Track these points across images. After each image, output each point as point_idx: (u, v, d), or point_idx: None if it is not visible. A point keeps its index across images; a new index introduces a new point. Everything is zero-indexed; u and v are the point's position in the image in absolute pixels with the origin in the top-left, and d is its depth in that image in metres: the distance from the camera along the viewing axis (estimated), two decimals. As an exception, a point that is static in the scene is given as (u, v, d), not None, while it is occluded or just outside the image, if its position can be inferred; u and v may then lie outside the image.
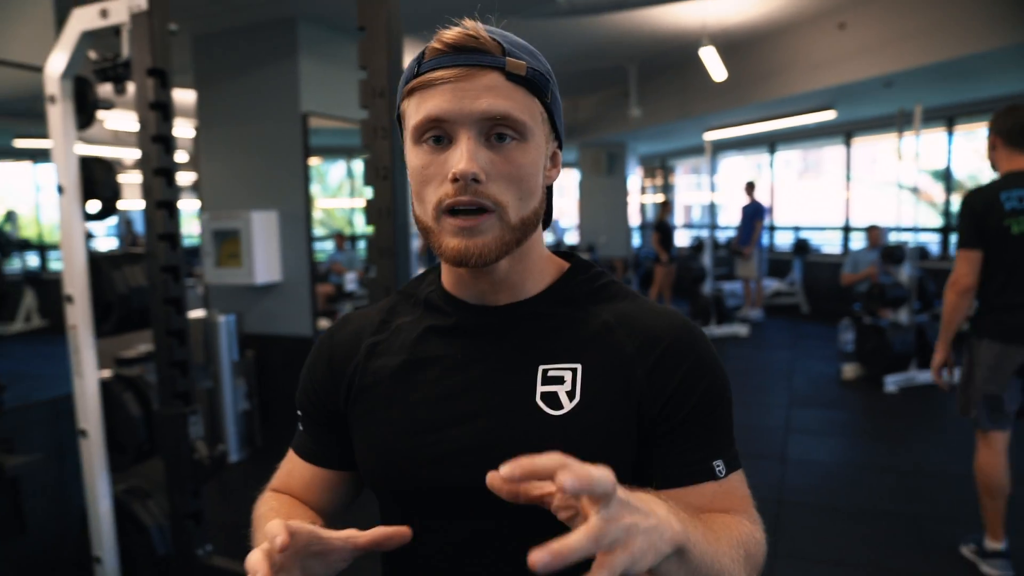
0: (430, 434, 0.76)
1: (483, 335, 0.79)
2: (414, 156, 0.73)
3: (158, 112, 2.24)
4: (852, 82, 6.57)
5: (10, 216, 7.06)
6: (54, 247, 7.25)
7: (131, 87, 2.30)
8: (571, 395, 0.74)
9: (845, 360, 6.14)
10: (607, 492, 0.51)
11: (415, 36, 5.48)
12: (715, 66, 6.57)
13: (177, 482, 2.21)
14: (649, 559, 0.54)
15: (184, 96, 5.73)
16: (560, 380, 0.75)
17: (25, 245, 7.35)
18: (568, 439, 0.72)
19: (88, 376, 2.41)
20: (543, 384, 0.75)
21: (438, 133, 0.70)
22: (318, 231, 5.44)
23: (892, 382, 5.36)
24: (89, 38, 2.34)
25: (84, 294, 2.41)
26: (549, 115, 0.75)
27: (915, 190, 5.99)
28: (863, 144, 9.66)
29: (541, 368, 0.76)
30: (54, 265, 7.36)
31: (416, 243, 4.07)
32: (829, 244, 10.16)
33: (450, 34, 0.70)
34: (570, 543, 0.49)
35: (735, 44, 7.29)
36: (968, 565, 2.81)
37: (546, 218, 0.82)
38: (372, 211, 1.87)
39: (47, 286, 6.33)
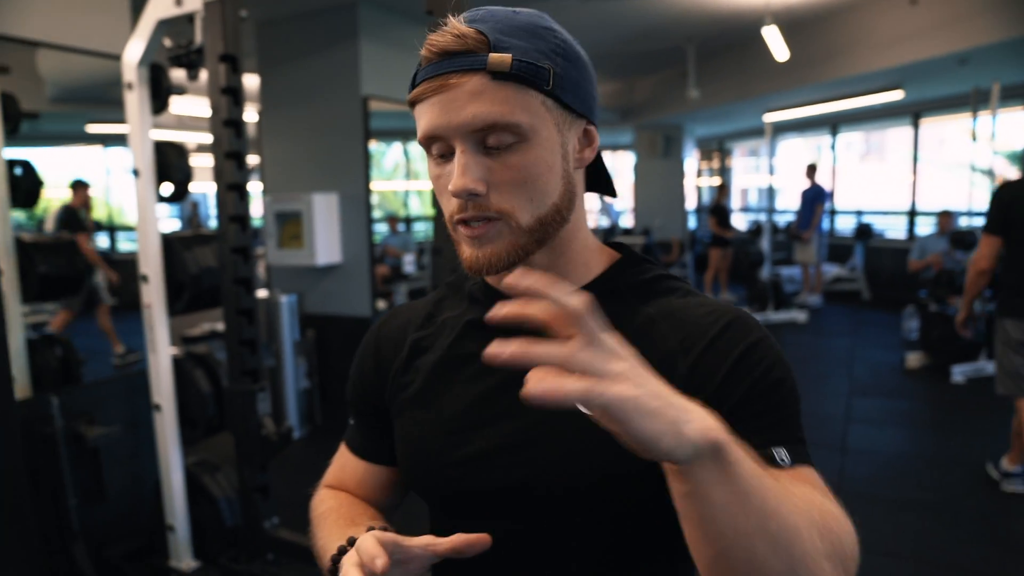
0: (462, 434, 0.74)
1: (521, 330, 0.77)
2: (429, 167, 0.71)
3: (229, 97, 2.30)
4: (923, 60, 6.31)
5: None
6: (124, 228, 7.52)
7: (203, 73, 2.37)
8: None
9: (909, 348, 5.96)
10: (566, 307, 0.48)
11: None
12: (778, 46, 6.39)
13: (246, 456, 2.29)
14: (654, 427, 0.47)
15: (248, 81, 5.86)
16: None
17: (97, 227, 7.63)
18: (606, 438, 0.70)
19: (162, 353, 2.51)
20: None
21: (440, 148, 0.68)
22: (375, 213, 5.54)
23: (960, 372, 5.19)
24: (164, 26, 2.41)
25: (158, 274, 2.51)
26: (558, 100, 0.67)
27: (990, 173, 5.74)
28: (931, 125, 9.29)
29: None
30: (123, 246, 7.64)
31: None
32: (893, 229, 9.84)
33: (434, 38, 0.66)
34: (530, 348, 0.47)
35: (798, 22, 7.07)
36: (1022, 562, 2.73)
37: (609, 191, 0.80)
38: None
39: (117, 266, 6.58)
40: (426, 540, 0.63)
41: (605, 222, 12.11)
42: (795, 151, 12.37)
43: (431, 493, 0.77)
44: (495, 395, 0.73)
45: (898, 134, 9.83)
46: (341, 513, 0.81)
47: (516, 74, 0.64)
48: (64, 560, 2.53)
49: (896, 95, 7.74)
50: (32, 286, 2.63)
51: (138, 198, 2.51)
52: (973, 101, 5.46)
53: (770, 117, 8.82)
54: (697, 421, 0.49)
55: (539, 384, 0.46)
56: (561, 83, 0.67)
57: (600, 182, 0.82)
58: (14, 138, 2.73)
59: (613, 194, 0.82)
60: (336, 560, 0.69)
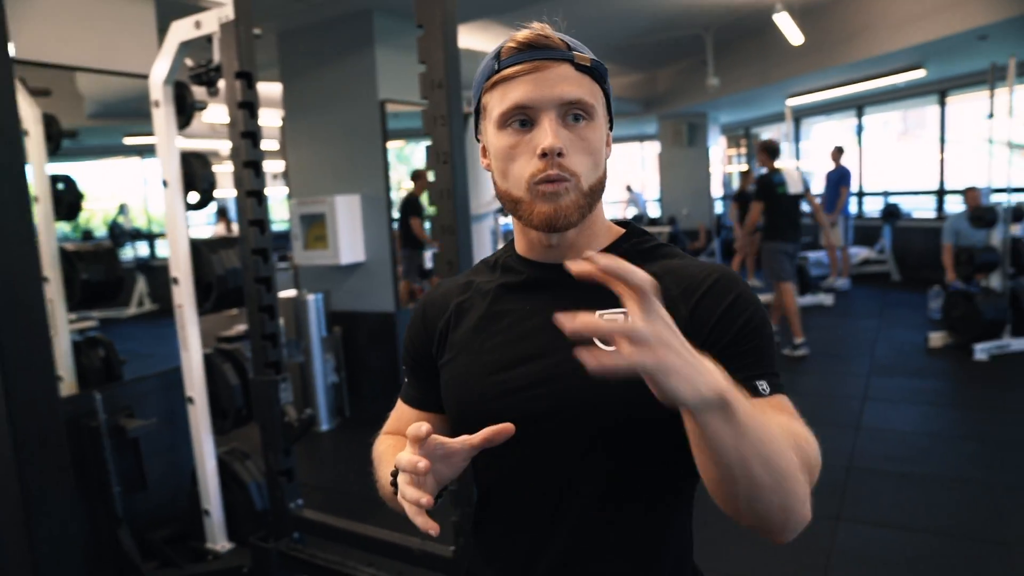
0: (501, 373, 0.88)
1: (549, 289, 0.90)
2: (500, 139, 0.85)
3: (246, 110, 2.47)
4: (942, 38, 6.27)
5: (123, 209, 7.65)
6: (162, 235, 7.80)
7: (222, 87, 2.55)
8: None
9: (933, 328, 5.95)
10: (637, 284, 0.59)
11: (488, 18, 5.55)
12: (791, 31, 6.41)
13: (270, 442, 2.47)
14: (681, 387, 0.59)
15: (273, 89, 6.08)
16: (615, 321, 0.86)
17: (136, 235, 7.94)
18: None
19: (193, 349, 2.71)
20: None
21: (523, 116, 0.83)
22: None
23: (982, 350, 5.18)
24: (186, 47, 2.60)
25: (188, 276, 2.70)
26: (607, 100, 0.87)
27: (1013, 147, 5.69)
28: (961, 102, 9.15)
29: (598, 313, 0.85)
30: (161, 252, 7.94)
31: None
32: (922, 208, 9.72)
33: (523, 34, 0.83)
34: (595, 321, 0.58)
35: (815, 5, 7.06)
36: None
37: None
38: (434, 193, 2.04)
39: (157, 272, 6.86)
40: (463, 438, 0.78)
41: (633, 211, 12.17)
42: (827, 134, 12.23)
43: (473, 423, 0.87)
44: (529, 339, 0.88)
45: (934, 112, 9.67)
46: (397, 448, 0.94)
47: (593, 68, 0.84)
48: (111, 544, 2.74)
49: (918, 74, 7.68)
50: (75, 293, 2.85)
51: (167, 207, 2.71)
52: (991, 77, 5.42)
53: (793, 102, 8.78)
54: (709, 378, 0.61)
55: (599, 361, 0.58)
56: (608, 88, 0.88)
57: None
58: (56, 154, 2.96)
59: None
60: (394, 479, 0.86)
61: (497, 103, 0.84)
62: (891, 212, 9.10)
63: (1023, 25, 5.92)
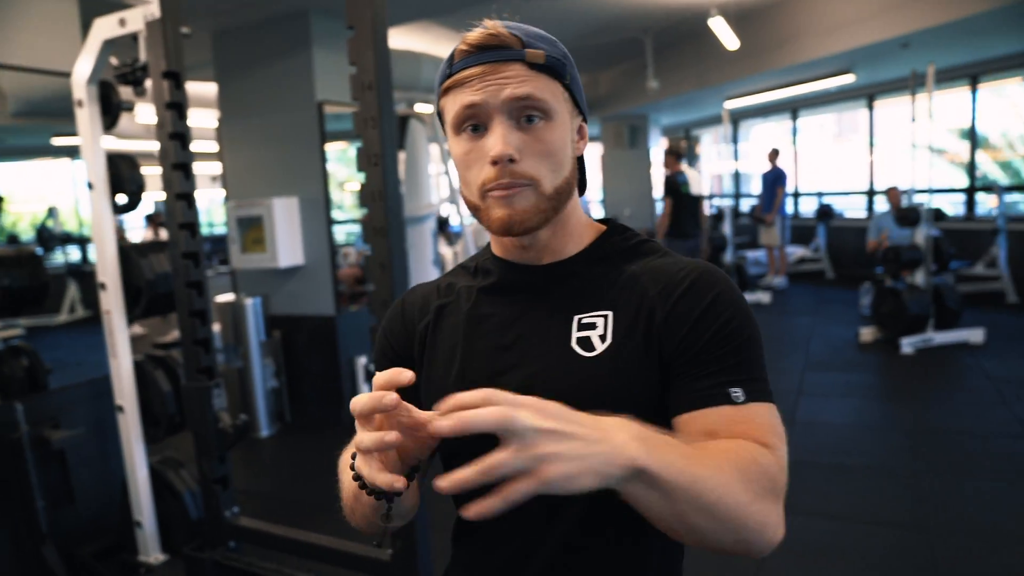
0: (480, 383, 0.83)
1: (527, 292, 0.88)
2: (456, 145, 0.83)
3: (174, 111, 2.42)
4: (869, 44, 6.52)
5: (52, 212, 7.37)
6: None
7: (149, 88, 2.49)
8: (603, 338, 0.82)
9: (864, 324, 6.17)
10: (501, 427, 0.57)
11: (428, 19, 5.53)
12: (726, 35, 6.57)
13: (204, 449, 2.42)
14: (584, 482, 0.58)
15: (208, 89, 5.94)
16: (593, 326, 0.83)
17: (67, 239, 7.66)
18: (599, 377, 0.80)
19: (122, 356, 2.63)
20: (578, 331, 0.83)
21: (475, 122, 0.80)
22: (345, 215, 5.62)
23: (908, 344, 5.40)
24: (110, 46, 2.53)
25: (116, 281, 2.63)
26: (571, 94, 0.83)
27: (934, 150, 5.95)
28: (889, 106, 9.53)
29: (576, 317, 0.84)
30: (94, 257, 7.66)
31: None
32: (854, 209, 10.08)
33: (473, 36, 0.80)
34: (463, 474, 0.57)
35: (749, 11, 7.25)
36: (952, 515, 2.92)
37: (581, 185, 0.92)
38: (365, 195, 2.03)
39: (89, 278, 6.62)
40: (431, 413, 0.66)
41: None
42: (766, 136, 12.57)
43: (451, 437, 0.88)
44: (510, 347, 0.86)
45: (866, 115, 10.04)
46: None
47: (548, 66, 0.80)
48: (35, 562, 2.64)
49: (848, 79, 7.96)
50: (-5, 299, 2.74)
51: (93, 210, 2.63)
52: (912, 83, 5.65)
53: (730, 104, 9.01)
54: (612, 454, 0.60)
55: (504, 499, 0.57)
56: (573, 81, 0.84)
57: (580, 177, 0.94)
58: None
59: (583, 190, 0.95)
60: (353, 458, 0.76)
61: (450, 108, 0.82)
62: (825, 212, 9.41)
63: (942, 34, 6.20)
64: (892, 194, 6.50)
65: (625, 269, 0.87)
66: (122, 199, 2.75)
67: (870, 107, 9.41)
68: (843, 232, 9.49)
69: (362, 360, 4.61)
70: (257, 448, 4.35)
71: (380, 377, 0.68)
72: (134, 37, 2.48)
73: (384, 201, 2.00)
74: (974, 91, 8.01)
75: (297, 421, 4.68)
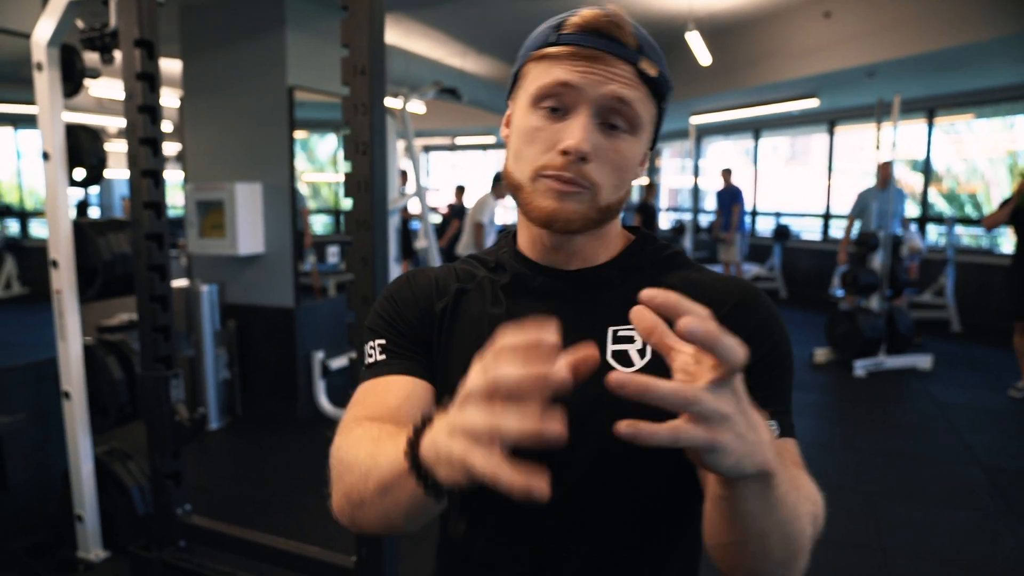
0: None
1: (555, 297, 0.82)
2: (527, 118, 0.75)
3: (145, 83, 2.28)
4: (835, 71, 6.67)
5: (-10, 182, 7.01)
6: (36, 214, 7.21)
7: (118, 57, 2.34)
8: (642, 353, 0.76)
9: (819, 344, 6.28)
10: (730, 363, 0.49)
11: (400, 12, 5.44)
12: (701, 51, 6.63)
13: (158, 443, 2.28)
14: (729, 462, 0.51)
15: (171, 66, 5.71)
16: (630, 339, 0.77)
17: (6, 211, 7.31)
18: (637, 412, 0.73)
19: (72, 339, 2.47)
20: (613, 343, 0.77)
21: (557, 104, 0.73)
22: (311, 205, 5.44)
23: (861, 366, 5.51)
24: (76, 7, 2.37)
25: (69, 260, 2.47)
26: (659, 119, 0.78)
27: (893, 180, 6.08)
28: (848, 133, 9.77)
29: (611, 329, 0.78)
30: (35, 232, 7.33)
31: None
32: (809, 231, 10.30)
33: (592, 14, 0.73)
34: (659, 387, 0.47)
35: (722, 29, 7.34)
36: (904, 537, 2.96)
37: (647, 215, 0.86)
38: (351, 184, 1.93)
39: (29, 253, 6.32)
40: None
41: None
42: (723, 153, 12.76)
43: None
44: None
45: (820, 140, 10.28)
46: (383, 431, 0.69)
47: (656, 82, 0.74)
48: (-36, 552, 2.47)
49: (812, 103, 8.13)
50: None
51: (47, 182, 2.46)
52: (878, 112, 5.78)
53: (696, 120, 9.11)
54: (759, 454, 0.53)
55: (639, 432, 0.48)
56: (666, 106, 0.78)
57: None
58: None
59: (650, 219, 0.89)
60: (418, 434, 0.58)
61: (538, 76, 0.74)
62: (781, 232, 9.59)
63: (906, 67, 6.37)
64: (883, 168, 5.99)
65: (661, 280, 0.81)
66: (80, 173, 2.59)
67: (831, 132, 9.63)
68: (798, 253, 9.69)
69: (320, 355, 4.48)
70: (206, 441, 4.17)
71: (513, 340, 0.48)
72: (104, 0, 2.34)
73: (371, 192, 1.91)
74: (930, 124, 8.26)
75: (249, 414, 4.51)
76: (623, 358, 0.77)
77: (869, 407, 4.88)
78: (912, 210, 8.48)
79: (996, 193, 8.32)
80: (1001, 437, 4.19)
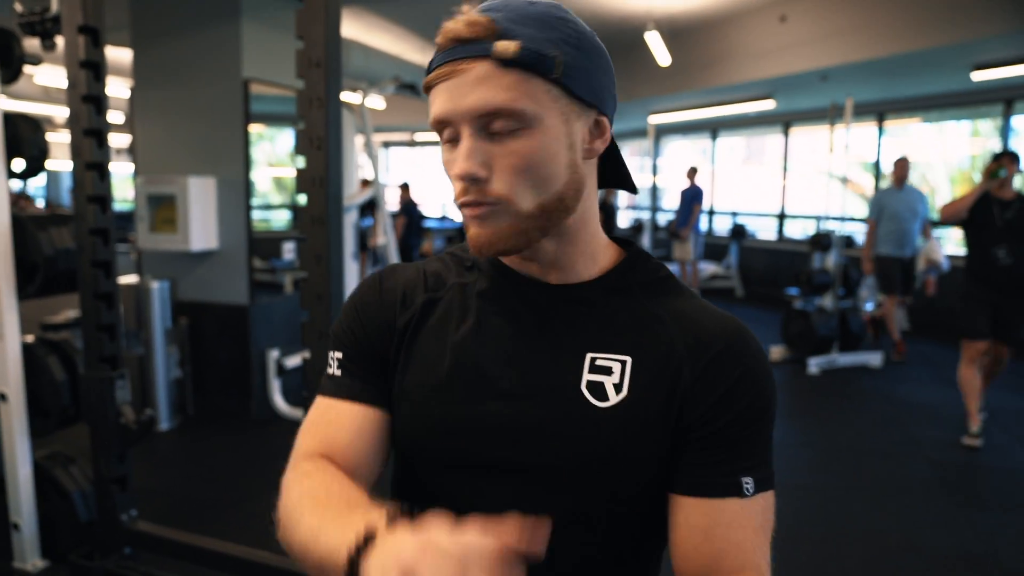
0: (469, 405, 0.74)
1: (532, 312, 0.76)
2: (441, 152, 0.72)
3: (89, 71, 2.19)
4: (790, 74, 6.79)
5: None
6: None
7: (61, 43, 2.25)
8: (618, 388, 0.72)
9: (774, 342, 6.38)
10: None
11: (360, 6, 5.36)
12: (660, 51, 6.68)
13: (102, 446, 2.20)
14: None
15: (121, 54, 5.54)
16: (608, 371, 0.73)
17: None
18: (610, 432, 0.71)
19: (10, 338, 2.37)
20: (590, 372, 0.73)
21: (449, 135, 0.69)
22: (274, 200, 5.31)
23: (815, 364, 5.61)
24: (15, -10, 2.27)
25: (7, 255, 2.36)
26: (565, 89, 0.68)
27: (844, 181, 6.22)
28: (802, 134, 9.96)
29: (589, 356, 0.73)
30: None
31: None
32: (765, 230, 10.47)
33: (448, 25, 0.67)
34: None
35: (680, 30, 7.41)
36: (862, 531, 3.02)
37: (625, 184, 0.82)
38: (305, 180, 1.88)
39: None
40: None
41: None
42: (681, 153, 12.91)
43: (424, 453, 0.76)
44: (506, 369, 0.74)
45: (775, 141, 10.45)
46: (338, 490, 0.68)
47: (522, 61, 0.65)
48: None
49: (768, 104, 8.26)
50: None
51: (-16, 174, 2.35)
52: (831, 114, 5.90)
53: (654, 119, 9.18)
54: None
55: None
56: (570, 72, 0.67)
57: (618, 176, 0.83)
58: None
59: (632, 189, 0.83)
60: (358, 553, 0.53)
61: (430, 110, 0.70)
62: (738, 231, 9.73)
63: (858, 71, 6.52)
64: (899, 164, 5.71)
65: (649, 308, 0.76)
66: (20, 164, 2.48)
67: (786, 133, 9.80)
68: (754, 252, 9.84)
69: (274, 353, 4.38)
70: (155, 442, 4.05)
71: (491, 547, 0.48)
72: (46, -16, 2.24)
73: (325, 188, 1.86)
74: (880, 128, 8.47)
75: (200, 414, 4.39)
76: (598, 391, 0.72)
77: (824, 404, 4.97)
78: (863, 211, 8.67)
79: (940, 199, 8.56)
80: (950, 431, 4.31)
